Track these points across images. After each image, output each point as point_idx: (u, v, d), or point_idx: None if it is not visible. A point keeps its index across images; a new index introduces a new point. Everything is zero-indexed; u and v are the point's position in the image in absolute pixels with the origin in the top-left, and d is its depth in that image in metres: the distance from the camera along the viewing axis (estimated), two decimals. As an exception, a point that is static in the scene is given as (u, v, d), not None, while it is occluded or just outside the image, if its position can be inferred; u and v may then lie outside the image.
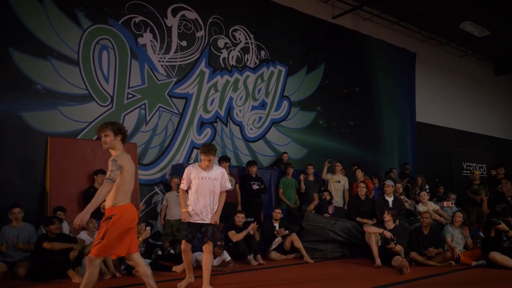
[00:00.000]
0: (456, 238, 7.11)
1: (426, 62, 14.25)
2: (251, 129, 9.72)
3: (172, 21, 8.64)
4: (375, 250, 6.71)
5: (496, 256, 6.46)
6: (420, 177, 10.62)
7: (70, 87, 7.32)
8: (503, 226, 6.69)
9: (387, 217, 6.89)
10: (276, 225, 7.45)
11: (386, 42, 12.88)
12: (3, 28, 6.70)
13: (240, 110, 9.56)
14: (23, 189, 6.64)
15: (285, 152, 9.77)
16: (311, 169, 9.02)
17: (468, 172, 15.00)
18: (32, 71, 6.96)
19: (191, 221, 4.91)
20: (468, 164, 15.64)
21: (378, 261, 6.59)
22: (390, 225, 6.89)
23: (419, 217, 7.50)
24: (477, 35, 13.60)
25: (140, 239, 6.05)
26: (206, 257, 4.91)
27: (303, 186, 8.80)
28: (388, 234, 6.68)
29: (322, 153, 10.62)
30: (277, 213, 7.48)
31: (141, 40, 8.19)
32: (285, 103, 10.38)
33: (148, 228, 6.17)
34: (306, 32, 10.95)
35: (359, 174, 9.26)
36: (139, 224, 6.19)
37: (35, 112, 6.94)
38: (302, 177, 8.87)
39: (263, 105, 9.99)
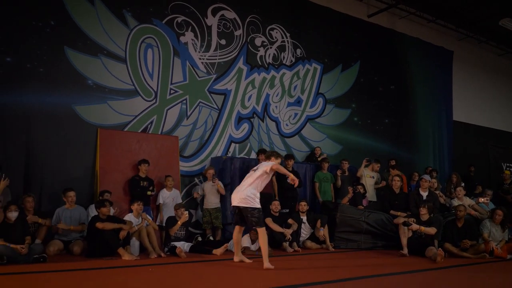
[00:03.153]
0: (494, 235, 7.05)
1: (463, 60, 14.06)
2: (286, 125, 9.98)
3: (212, 21, 9.04)
4: (403, 240, 6.80)
5: (533, 249, 6.46)
6: (455, 174, 10.53)
7: (118, 83, 7.83)
8: None
9: (423, 210, 6.95)
10: (303, 217, 7.66)
11: (423, 41, 12.82)
12: (59, 28, 7.29)
13: (276, 106, 9.85)
14: (76, 175, 7.18)
15: (317, 147, 9.95)
16: (346, 164, 9.19)
17: (508, 172, 14.65)
18: (84, 68, 7.51)
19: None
20: (508, 164, 15.25)
21: (405, 250, 6.70)
22: (425, 217, 6.97)
23: (454, 211, 7.54)
24: (517, 33, 13.33)
25: (179, 222, 6.43)
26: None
27: (339, 182, 8.98)
28: (411, 220, 6.81)
29: (356, 150, 10.76)
30: (303, 206, 7.67)
31: (183, 39, 8.63)
32: (320, 100, 10.59)
33: (186, 212, 6.52)
34: (342, 31, 11.12)
35: (393, 172, 9.30)
36: (179, 209, 6.59)
37: (86, 105, 7.48)
38: (339, 172, 9.04)
39: (298, 102, 10.24)
